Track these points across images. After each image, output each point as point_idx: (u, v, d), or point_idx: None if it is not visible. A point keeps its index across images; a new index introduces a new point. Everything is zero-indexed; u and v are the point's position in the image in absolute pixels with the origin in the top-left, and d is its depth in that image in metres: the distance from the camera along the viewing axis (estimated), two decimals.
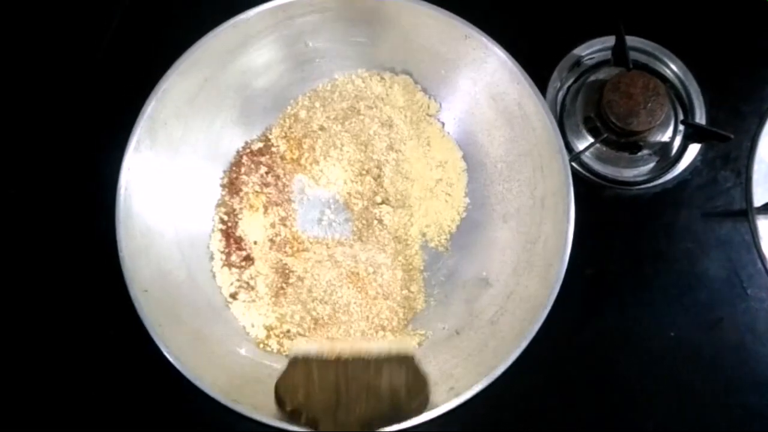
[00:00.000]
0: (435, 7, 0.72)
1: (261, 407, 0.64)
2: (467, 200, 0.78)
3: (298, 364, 0.63)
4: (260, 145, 0.79)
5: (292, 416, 0.62)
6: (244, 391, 0.65)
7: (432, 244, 0.77)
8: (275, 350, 0.72)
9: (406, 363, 0.63)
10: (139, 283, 0.66)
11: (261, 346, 0.73)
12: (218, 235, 0.76)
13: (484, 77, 0.74)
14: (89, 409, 0.74)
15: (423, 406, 0.63)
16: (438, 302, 0.75)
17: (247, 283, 0.74)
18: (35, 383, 0.74)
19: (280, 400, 0.62)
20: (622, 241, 0.80)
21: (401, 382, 0.62)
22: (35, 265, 0.78)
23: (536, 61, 0.78)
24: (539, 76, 0.81)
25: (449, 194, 0.78)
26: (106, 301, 0.72)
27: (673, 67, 0.84)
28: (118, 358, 0.74)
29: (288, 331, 0.73)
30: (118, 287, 0.66)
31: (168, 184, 0.73)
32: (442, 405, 0.64)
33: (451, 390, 0.65)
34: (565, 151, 0.69)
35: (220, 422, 0.70)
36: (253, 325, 0.74)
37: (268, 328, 0.73)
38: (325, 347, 0.63)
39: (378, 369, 0.62)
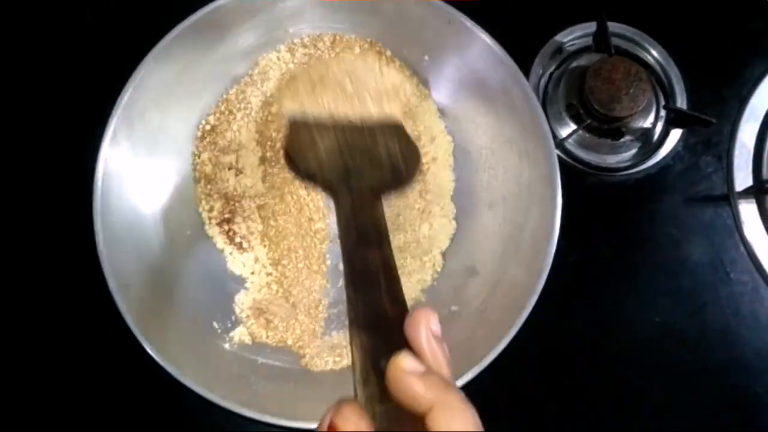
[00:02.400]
0: None
1: (247, 402, 0.63)
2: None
3: (299, 128, 0.61)
4: None
5: (309, 177, 0.60)
6: (229, 386, 0.64)
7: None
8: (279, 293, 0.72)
9: (396, 131, 0.62)
10: (119, 278, 0.64)
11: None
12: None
13: (468, 63, 0.73)
14: (71, 408, 0.72)
15: (418, 172, 0.63)
16: (425, 291, 0.74)
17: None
18: (14, 382, 0.73)
19: (292, 163, 0.61)
20: (605, 227, 0.80)
21: (396, 149, 0.61)
22: (10, 261, 0.76)
23: (518, 48, 0.78)
24: (521, 64, 0.80)
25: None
26: (86, 297, 0.71)
27: (654, 52, 0.84)
28: (100, 354, 0.72)
29: None
30: (98, 282, 0.64)
31: (147, 174, 0.71)
32: None
33: None
34: (550, 136, 0.68)
35: (205, 419, 0.69)
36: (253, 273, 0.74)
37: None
38: (321, 111, 0.61)
39: (373, 137, 0.61)
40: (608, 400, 0.75)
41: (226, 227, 0.74)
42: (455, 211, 0.76)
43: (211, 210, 0.74)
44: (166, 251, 0.71)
